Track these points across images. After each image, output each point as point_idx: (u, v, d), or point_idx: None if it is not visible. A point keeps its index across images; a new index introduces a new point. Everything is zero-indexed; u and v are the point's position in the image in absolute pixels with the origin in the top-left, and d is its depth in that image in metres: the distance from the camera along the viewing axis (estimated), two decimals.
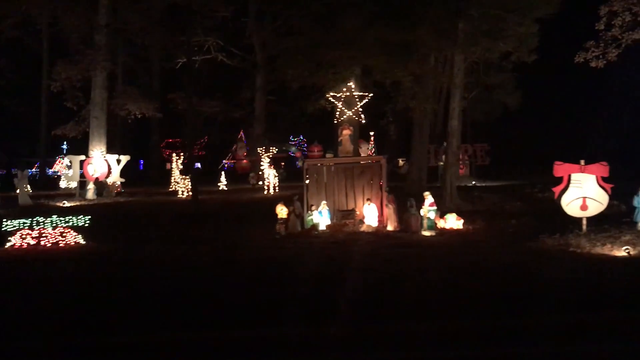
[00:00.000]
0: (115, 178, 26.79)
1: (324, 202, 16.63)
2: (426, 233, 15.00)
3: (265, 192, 24.80)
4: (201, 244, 14.30)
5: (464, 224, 15.90)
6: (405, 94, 17.83)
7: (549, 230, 13.80)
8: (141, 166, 47.40)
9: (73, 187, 26.74)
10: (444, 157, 30.37)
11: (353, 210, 16.77)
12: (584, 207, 13.81)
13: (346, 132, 16.79)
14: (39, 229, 14.29)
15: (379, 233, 15.56)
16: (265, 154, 26.92)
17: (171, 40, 28.44)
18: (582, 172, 13.91)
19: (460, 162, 30.09)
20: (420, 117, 20.60)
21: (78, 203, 23.36)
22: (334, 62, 16.87)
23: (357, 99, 18.03)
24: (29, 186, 25.61)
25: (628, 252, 11.47)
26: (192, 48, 26.82)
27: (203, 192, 27.13)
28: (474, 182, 28.08)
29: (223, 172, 31.33)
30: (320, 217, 16.46)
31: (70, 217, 14.72)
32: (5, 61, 31.89)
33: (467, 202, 19.34)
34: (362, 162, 16.90)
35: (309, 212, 16.10)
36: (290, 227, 15.89)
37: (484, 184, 27.92)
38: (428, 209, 15.11)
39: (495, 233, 14.78)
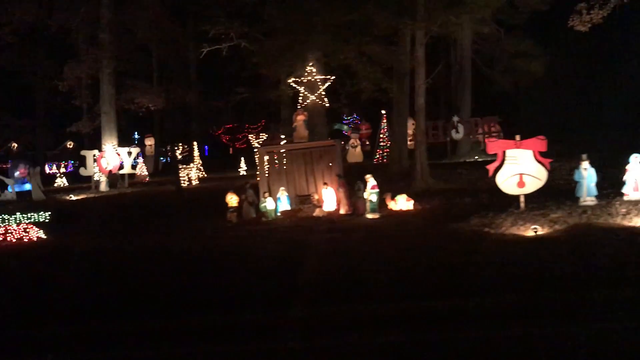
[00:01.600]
0: (127, 170, 28.12)
1: (282, 188, 16.90)
2: (370, 216, 15.01)
3: None
4: (155, 234, 14.93)
5: (415, 205, 15.73)
6: (359, 75, 17.62)
7: (495, 208, 13.46)
8: (206, 152, 48.91)
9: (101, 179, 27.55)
10: (453, 131, 30.03)
11: (309, 195, 16.93)
12: (521, 185, 13.37)
13: (300, 118, 16.90)
14: (4, 226, 15.38)
15: (329, 217, 15.69)
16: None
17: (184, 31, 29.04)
18: (518, 148, 13.44)
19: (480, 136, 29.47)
20: (397, 96, 20.31)
21: (85, 196, 24.71)
22: (290, 47, 16.91)
23: (320, 83, 18.07)
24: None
25: (535, 232, 11.10)
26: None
27: (215, 178, 28.19)
28: (476, 157, 27.29)
29: (243, 157, 32.09)
30: (280, 203, 16.78)
31: (32, 213, 15.72)
32: None
33: (440, 180, 19.01)
34: (315, 147, 16.93)
35: (263, 198, 16.39)
36: (244, 215, 16.29)
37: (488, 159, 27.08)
38: (370, 192, 15.08)
39: (438, 213, 14.56)
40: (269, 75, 18.48)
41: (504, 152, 13.47)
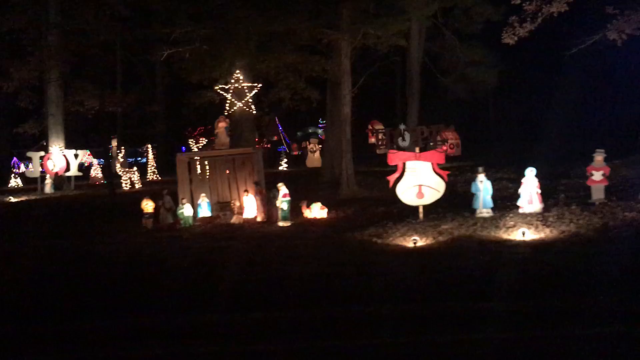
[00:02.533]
0: (73, 172, 28.07)
1: (203, 194, 17.04)
2: (281, 223, 15.17)
3: None
4: (65, 238, 14.98)
5: (329, 213, 15.95)
6: (281, 84, 17.84)
7: (398, 217, 13.71)
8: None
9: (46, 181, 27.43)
10: (399, 139, 30.30)
11: (229, 202, 17.11)
12: (420, 195, 13.65)
13: (222, 125, 17.05)
14: None
15: (244, 224, 15.85)
16: None
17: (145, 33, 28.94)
18: (417, 160, 13.72)
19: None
20: (331, 105, 20.55)
21: (25, 198, 24.64)
22: (218, 55, 17.08)
23: (247, 90, 18.25)
24: None
25: (414, 243, 11.34)
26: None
27: (164, 181, 28.18)
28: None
29: None
30: (200, 209, 16.94)
31: None
32: None
33: (367, 188, 19.27)
34: (234, 154, 17.10)
35: (181, 204, 16.51)
36: (161, 221, 16.39)
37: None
38: (281, 200, 15.25)
39: (345, 222, 14.77)
40: (198, 81, 18.59)
41: (404, 164, 13.73)
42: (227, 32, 16.68)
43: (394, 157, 13.84)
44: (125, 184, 25.92)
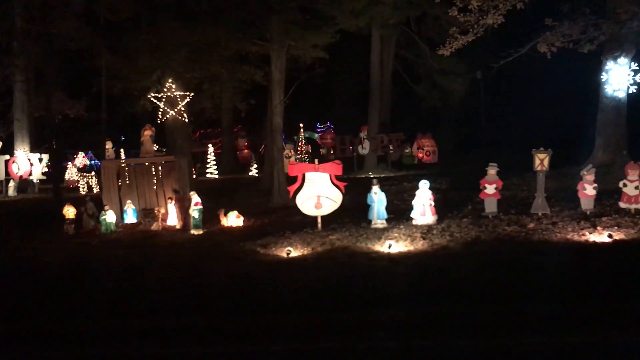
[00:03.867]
0: (37, 176, 28.64)
1: (129, 201, 17.44)
2: (193, 231, 15.51)
3: None
4: None
5: (246, 221, 16.27)
6: (205, 94, 18.20)
7: (300, 227, 13.96)
8: None
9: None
10: (360, 147, 30.63)
11: (152, 210, 17.48)
12: (318, 206, 13.91)
13: (147, 133, 17.44)
14: None
15: (162, 231, 16.23)
16: None
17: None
18: (316, 171, 13.99)
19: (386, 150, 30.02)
20: (271, 114, 20.88)
21: None
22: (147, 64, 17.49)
23: (179, 99, 18.62)
24: None
25: (288, 254, 11.62)
26: None
27: None
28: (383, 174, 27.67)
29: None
30: (126, 216, 17.35)
31: None
32: None
33: None
34: (155, 162, 17.46)
35: (104, 211, 16.90)
36: (84, 227, 16.80)
37: (392, 174, 27.57)
38: (193, 209, 15.59)
39: (252, 231, 15.05)
40: (131, 89, 19.02)
41: (304, 175, 14.01)
42: (155, 43, 17.03)
43: (294, 169, 14.12)
44: (83, 188, 26.41)
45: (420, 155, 36.18)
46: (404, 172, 27.50)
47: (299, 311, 8.26)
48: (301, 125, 32.73)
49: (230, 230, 15.67)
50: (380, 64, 29.78)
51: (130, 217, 17.36)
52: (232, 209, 17.52)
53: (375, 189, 13.74)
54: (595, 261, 9.48)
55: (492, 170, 13.70)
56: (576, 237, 10.95)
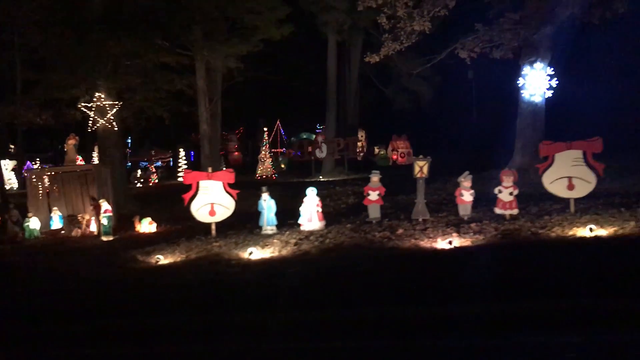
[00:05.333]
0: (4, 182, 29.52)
1: (54, 208, 18.09)
2: (104, 238, 16.07)
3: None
4: None
5: (161, 228, 16.79)
6: (126, 103, 18.72)
7: (196, 234, 14.40)
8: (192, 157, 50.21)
9: None
10: (317, 150, 31.00)
11: (76, 216, 18.10)
12: (212, 213, 14.37)
13: (71, 142, 18.03)
14: None
15: (80, 237, 16.84)
16: None
17: None
18: (210, 179, 14.43)
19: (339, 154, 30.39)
20: (209, 121, 21.40)
21: None
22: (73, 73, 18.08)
23: (108, 108, 19.20)
24: None
25: (156, 261, 12.07)
26: None
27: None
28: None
29: None
30: (52, 222, 18.00)
31: None
32: None
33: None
34: (74, 171, 18.05)
35: (27, 217, 17.53)
36: (9, 233, 17.45)
37: (348, 177, 27.87)
38: (103, 216, 16.14)
39: (159, 237, 15.50)
40: (61, 98, 19.64)
41: (198, 183, 14.46)
42: (80, 54, 17.59)
43: (188, 177, 14.55)
44: None
45: (395, 157, 36.49)
46: (360, 175, 27.80)
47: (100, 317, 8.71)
48: (265, 129, 33.12)
49: (140, 236, 16.17)
50: (337, 68, 30.15)
51: (56, 224, 18.01)
52: (160, 215, 18.13)
53: (265, 196, 14.13)
54: (418, 268, 9.78)
55: (375, 178, 14.04)
56: (426, 244, 11.21)
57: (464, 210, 13.35)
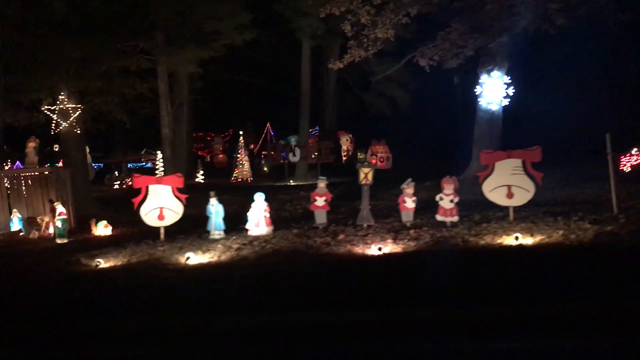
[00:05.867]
0: None
1: (14, 210, 18.18)
2: (58, 240, 16.14)
3: None
4: None
5: (116, 231, 16.90)
6: (86, 107, 18.88)
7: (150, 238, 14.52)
8: None
9: None
10: (290, 154, 31.20)
11: (35, 219, 18.19)
12: (161, 217, 14.49)
13: (31, 145, 18.18)
14: None
15: (37, 239, 16.94)
16: None
17: None
18: (159, 184, 14.57)
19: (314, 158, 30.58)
20: (174, 125, 21.53)
21: None
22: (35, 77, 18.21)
23: (71, 111, 19.33)
24: None
25: (96, 265, 12.19)
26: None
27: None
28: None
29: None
30: (12, 224, 18.09)
31: None
32: None
33: (192, 206, 20.10)
34: (33, 174, 18.15)
35: None
36: None
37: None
38: (57, 218, 16.23)
39: (111, 240, 15.60)
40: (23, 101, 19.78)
41: (147, 187, 14.60)
42: (41, 57, 17.72)
43: (138, 181, 14.69)
44: None
45: (374, 161, 36.68)
46: (333, 180, 27.98)
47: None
48: (241, 132, 33.28)
49: (94, 239, 16.23)
50: (312, 73, 30.36)
51: (16, 225, 18.08)
52: (121, 218, 18.21)
53: (213, 201, 14.29)
54: (341, 273, 9.95)
55: (321, 184, 14.23)
56: (359, 250, 11.39)
57: (407, 216, 13.55)
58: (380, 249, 11.05)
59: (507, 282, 8.57)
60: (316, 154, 30.29)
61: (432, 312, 7.54)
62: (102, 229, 16.87)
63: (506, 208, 13.28)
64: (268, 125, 47.66)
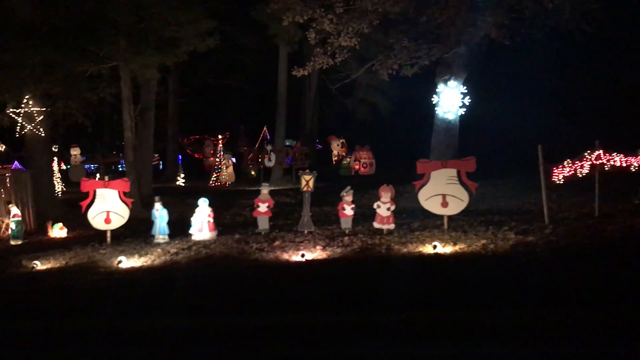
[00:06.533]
0: None
1: None
2: (12, 242, 16.40)
3: None
4: None
5: (69, 233, 17.14)
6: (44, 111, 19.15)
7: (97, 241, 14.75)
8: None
9: None
10: (266, 159, 31.44)
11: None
12: (107, 221, 14.74)
13: None
14: None
15: None
16: None
17: None
18: (106, 187, 14.82)
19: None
20: (141, 128, 21.79)
21: None
22: None
23: (36, 115, 19.59)
24: None
25: (33, 268, 12.41)
26: None
27: None
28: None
29: None
30: None
31: None
32: None
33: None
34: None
35: None
36: None
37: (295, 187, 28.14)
38: (11, 220, 16.49)
39: (63, 243, 15.82)
40: None
41: (95, 191, 14.84)
42: (3, 61, 17.97)
43: (85, 185, 14.92)
44: None
45: (357, 167, 36.89)
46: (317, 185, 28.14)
47: None
48: (220, 136, 33.54)
49: (47, 241, 16.47)
50: (287, 79, 30.57)
51: None
52: (82, 220, 18.34)
53: (157, 205, 14.52)
54: (257, 279, 10.16)
55: (264, 190, 14.46)
56: (286, 257, 11.59)
57: (346, 223, 13.75)
58: (303, 255, 11.26)
59: (395, 290, 8.80)
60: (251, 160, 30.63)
61: (307, 318, 7.78)
62: (58, 231, 17.11)
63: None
64: (265, 129, 47.83)
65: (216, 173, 33.40)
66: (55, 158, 28.12)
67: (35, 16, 18.25)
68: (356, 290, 8.98)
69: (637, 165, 13.20)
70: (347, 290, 9.09)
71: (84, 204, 14.92)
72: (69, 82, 18.48)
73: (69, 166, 36.11)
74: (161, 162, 46.11)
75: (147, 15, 18.13)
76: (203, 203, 14.42)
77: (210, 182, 32.51)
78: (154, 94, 22.11)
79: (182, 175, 34.69)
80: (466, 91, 18.56)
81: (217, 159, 33.40)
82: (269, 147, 31.23)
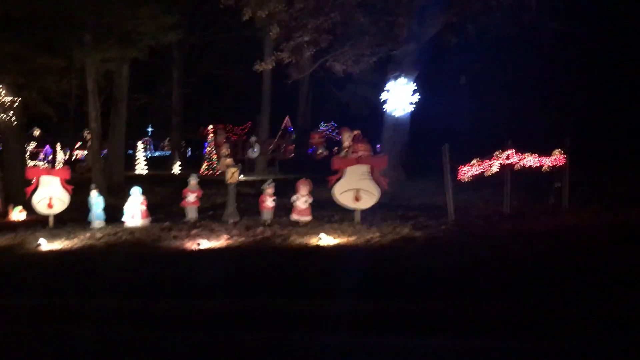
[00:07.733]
0: None
1: None
2: None
3: None
4: None
5: (28, 216, 18.09)
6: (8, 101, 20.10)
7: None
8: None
9: None
10: (250, 150, 32.10)
11: None
12: (50, 206, 15.63)
13: None
14: None
15: None
16: None
17: None
18: (49, 175, 15.72)
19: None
20: (113, 119, 22.71)
21: None
22: None
23: (8, 103, 20.66)
24: None
25: None
26: None
27: None
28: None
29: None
30: None
31: None
32: None
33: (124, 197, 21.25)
34: None
35: None
36: None
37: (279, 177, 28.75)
38: None
39: (18, 226, 16.64)
40: None
41: (39, 178, 15.74)
42: None
43: (31, 172, 15.84)
44: None
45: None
46: (291, 176, 28.72)
47: None
48: (210, 127, 34.31)
49: (3, 223, 17.45)
50: (271, 72, 31.00)
51: None
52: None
53: (93, 193, 15.33)
54: (145, 266, 10.85)
55: (193, 181, 15.12)
56: (187, 245, 12.23)
57: (267, 215, 14.29)
58: (199, 244, 11.89)
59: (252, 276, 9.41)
60: (275, 150, 31.20)
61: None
62: (17, 214, 18.08)
63: (363, 211, 13.87)
64: (287, 118, 48.09)
65: (207, 162, 34.21)
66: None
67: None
68: (192, 278, 9.70)
69: (550, 165, 13.41)
70: (178, 277, 9.86)
71: (29, 189, 15.82)
72: (33, 74, 19.35)
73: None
74: (189, 149, 47.24)
75: (107, 11, 18.85)
76: (135, 191, 15.14)
77: (201, 171, 33.32)
78: (126, 86, 22.94)
79: (179, 164, 35.60)
80: (416, 88, 18.82)
81: (209, 148, 34.21)
82: (253, 138, 31.87)
